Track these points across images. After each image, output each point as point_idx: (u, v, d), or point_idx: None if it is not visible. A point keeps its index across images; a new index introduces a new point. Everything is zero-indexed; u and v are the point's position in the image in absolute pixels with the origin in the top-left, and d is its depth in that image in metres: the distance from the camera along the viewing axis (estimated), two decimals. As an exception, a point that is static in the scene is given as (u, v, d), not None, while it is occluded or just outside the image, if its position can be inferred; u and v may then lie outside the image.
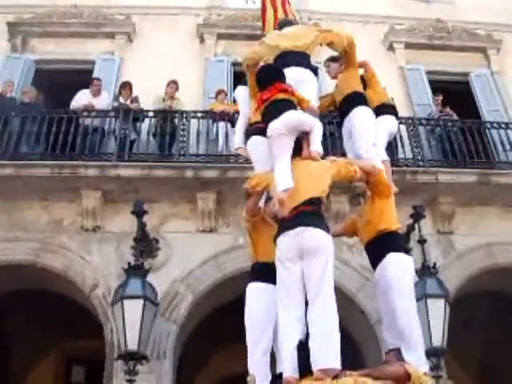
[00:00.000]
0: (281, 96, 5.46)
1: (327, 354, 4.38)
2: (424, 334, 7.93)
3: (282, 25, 6.46)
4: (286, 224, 4.90)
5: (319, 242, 4.75)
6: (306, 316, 4.70)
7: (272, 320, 5.02)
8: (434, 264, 9.03)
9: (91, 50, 13.52)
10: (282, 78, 5.63)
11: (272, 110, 5.44)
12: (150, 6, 14.17)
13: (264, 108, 5.54)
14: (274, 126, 5.35)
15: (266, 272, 5.11)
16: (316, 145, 5.38)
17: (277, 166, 5.28)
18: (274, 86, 5.52)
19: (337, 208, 10.25)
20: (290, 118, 5.35)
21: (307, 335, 4.60)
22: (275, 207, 5.08)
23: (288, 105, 5.44)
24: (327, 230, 4.88)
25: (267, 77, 5.68)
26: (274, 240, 4.96)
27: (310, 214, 4.89)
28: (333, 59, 6.55)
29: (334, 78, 6.57)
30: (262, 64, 6.00)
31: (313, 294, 4.65)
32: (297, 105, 5.56)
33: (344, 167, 5.30)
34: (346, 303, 9.85)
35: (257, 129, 5.98)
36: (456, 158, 11.24)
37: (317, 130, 5.48)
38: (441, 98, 12.68)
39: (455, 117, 12.30)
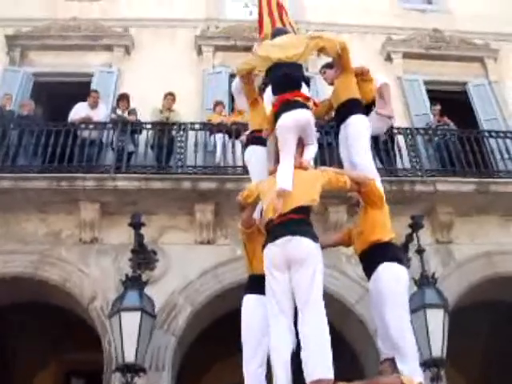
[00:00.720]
0: (298, 98, 5.53)
1: (320, 364, 4.36)
2: (423, 344, 8.00)
3: (274, 34, 6.47)
4: (273, 232, 4.90)
5: (306, 252, 4.72)
6: (296, 325, 4.69)
7: (268, 331, 5.00)
8: (433, 274, 9.01)
9: (89, 63, 13.57)
10: (300, 87, 5.71)
11: (286, 107, 5.48)
12: (148, 19, 14.22)
13: (280, 105, 5.55)
14: (284, 119, 5.40)
15: (261, 284, 5.08)
16: (308, 155, 5.40)
17: (281, 162, 5.31)
18: (294, 92, 5.59)
19: (335, 218, 10.24)
20: (301, 115, 5.41)
21: (298, 345, 4.58)
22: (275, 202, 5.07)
23: (302, 105, 5.50)
24: (315, 238, 4.86)
25: (288, 83, 5.71)
26: (263, 248, 4.96)
27: (298, 222, 4.88)
28: (328, 66, 6.53)
29: (331, 84, 6.57)
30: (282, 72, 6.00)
31: (302, 304, 4.63)
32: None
33: (334, 177, 5.28)
34: (344, 313, 9.86)
35: (255, 138, 5.99)
36: (454, 167, 11.23)
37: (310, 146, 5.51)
38: (438, 107, 12.68)
39: (453, 126, 12.30)
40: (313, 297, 4.62)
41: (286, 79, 5.77)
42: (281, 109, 5.54)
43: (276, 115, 5.55)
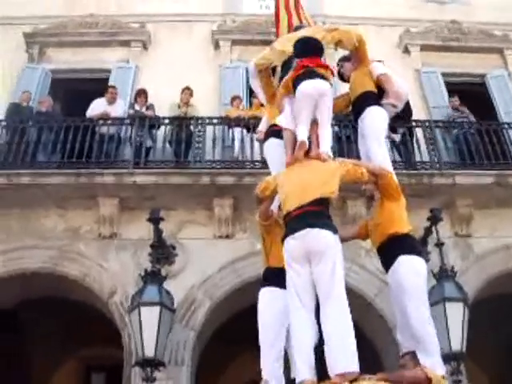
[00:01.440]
0: (318, 69, 5.64)
1: (344, 358, 4.34)
2: (443, 337, 7.94)
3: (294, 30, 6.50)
4: (291, 224, 4.89)
5: (325, 244, 4.71)
6: (317, 319, 4.68)
7: (285, 325, 4.99)
8: (452, 267, 8.96)
9: (107, 59, 13.62)
10: (321, 54, 5.86)
11: (307, 74, 5.58)
12: (165, 14, 14.23)
13: (301, 73, 5.66)
14: (305, 85, 5.52)
15: (278, 276, 5.09)
16: (325, 145, 5.41)
17: (299, 126, 5.46)
18: (314, 58, 5.63)
19: (354, 212, 10.20)
20: (321, 85, 5.54)
21: (320, 339, 4.57)
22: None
23: (322, 77, 5.60)
24: (334, 230, 4.85)
25: (309, 47, 5.87)
26: (282, 241, 4.96)
27: (316, 214, 4.87)
28: (345, 59, 6.52)
29: (348, 78, 6.56)
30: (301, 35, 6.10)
31: (323, 297, 4.62)
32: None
33: (352, 169, 5.28)
34: (364, 308, 9.82)
35: (274, 131, 6.01)
36: (473, 159, 11.16)
37: (325, 130, 5.51)
38: (457, 100, 12.57)
39: (471, 116, 12.19)
40: (335, 289, 4.61)
41: (306, 44, 5.92)
42: (301, 75, 5.59)
43: (295, 80, 5.65)
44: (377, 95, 6.06)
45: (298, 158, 5.28)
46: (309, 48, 5.87)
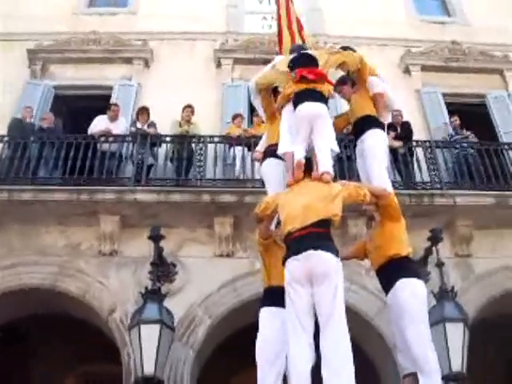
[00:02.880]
0: (316, 87, 5.78)
1: (341, 382, 4.34)
2: (443, 358, 7.92)
3: (292, 50, 6.54)
4: (294, 245, 4.91)
5: (328, 267, 4.74)
6: (316, 340, 4.68)
7: (285, 344, 5.00)
8: (453, 287, 8.94)
9: (109, 76, 13.69)
10: (317, 63, 6.00)
11: (306, 96, 5.72)
12: (167, 32, 14.34)
13: (299, 91, 5.79)
14: (302, 108, 5.70)
15: (278, 296, 5.10)
16: (325, 165, 5.44)
17: (295, 146, 5.59)
18: (311, 67, 5.71)
19: (354, 231, 10.21)
20: (314, 108, 5.68)
21: (317, 361, 4.57)
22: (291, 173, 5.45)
23: (320, 97, 5.76)
24: (336, 253, 4.88)
25: (305, 59, 6.06)
26: (283, 262, 4.97)
27: (319, 236, 4.90)
28: (342, 82, 6.59)
29: (349, 100, 6.61)
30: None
31: (324, 320, 4.63)
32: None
33: (354, 191, 5.31)
34: (363, 327, 9.80)
35: (272, 151, 6.05)
36: (474, 180, 11.18)
37: (322, 152, 5.56)
38: (456, 119, 12.61)
39: (472, 138, 12.22)
40: (335, 312, 4.63)
41: (302, 56, 6.14)
42: (301, 94, 5.68)
43: (295, 97, 5.78)
44: (376, 118, 6.12)
45: (298, 178, 5.30)
46: (305, 59, 5.96)
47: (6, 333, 10.58)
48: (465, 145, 11.94)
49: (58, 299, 10.30)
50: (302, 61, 6.04)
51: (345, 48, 6.83)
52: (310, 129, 5.62)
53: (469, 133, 12.38)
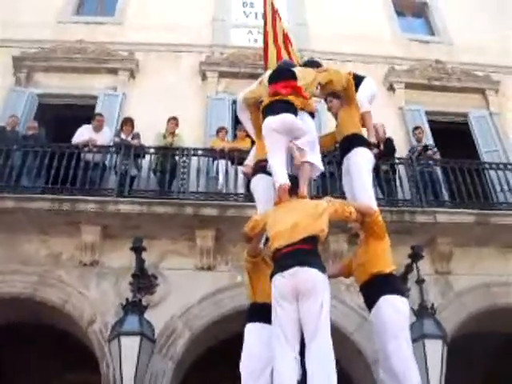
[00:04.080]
0: (286, 98, 5.80)
1: None
2: (422, 374, 7.85)
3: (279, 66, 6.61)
4: (281, 262, 4.95)
5: (314, 283, 4.78)
6: (301, 355, 4.71)
7: (270, 360, 5.02)
8: (432, 304, 9.03)
9: (94, 85, 13.64)
10: (294, 77, 6.01)
11: (274, 108, 5.74)
12: (154, 43, 14.35)
13: (269, 103, 5.84)
14: (268, 122, 5.71)
15: (263, 312, 5.13)
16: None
17: (273, 160, 5.58)
18: (287, 81, 5.75)
19: (335, 247, 10.26)
20: (285, 119, 5.66)
21: (303, 376, 4.60)
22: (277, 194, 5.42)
23: (289, 108, 5.73)
24: (323, 269, 4.92)
25: (282, 73, 6.11)
26: (271, 278, 5.00)
27: (306, 252, 4.94)
28: (334, 95, 6.64)
29: (336, 114, 6.68)
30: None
31: (309, 335, 4.67)
32: (300, 109, 5.92)
33: (341, 207, 5.36)
34: (342, 343, 9.80)
35: (262, 167, 6.08)
36: (454, 198, 11.28)
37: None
38: (420, 131, 12.64)
39: (433, 152, 12.24)
40: (321, 329, 4.67)
41: (277, 70, 6.24)
42: (267, 108, 5.73)
43: (264, 111, 5.85)
44: (362, 137, 6.19)
45: (284, 200, 5.35)
46: (281, 73, 6.03)
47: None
48: (448, 163, 11.93)
49: (38, 309, 10.23)
50: (279, 75, 6.10)
51: (311, 62, 6.94)
52: (284, 143, 5.67)
53: (430, 143, 12.47)
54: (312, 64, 6.85)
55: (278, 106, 5.76)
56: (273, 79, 6.06)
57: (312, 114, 6.36)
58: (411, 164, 11.58)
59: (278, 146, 5.63)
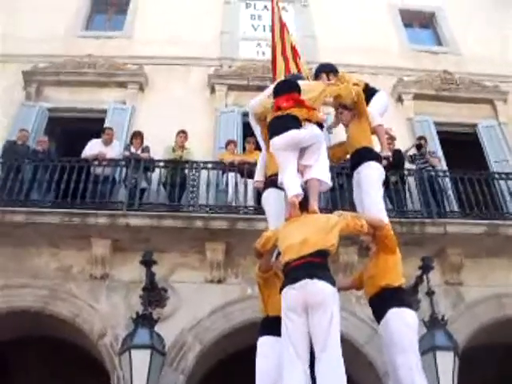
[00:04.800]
0: (288, 111, 5.80)
1: None
2: (433, 386, 7.95)
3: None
4: (291, 274, 4.96)
5: (323, 296, 4.78)
6: (311, 368, 4.70)
7: (282, 374, 5.02)
8: (443, 316, 9.00)
9: (103, 99, 13.71)
10: (297, 89, 6.03)
11: (277, 126, 5.78)
12: (162, 57, 14.43)
13: (272, 119, 5.88)
14: (273, 143, 5.76)
15: (275, 326, 5.13)
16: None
17: (284, 175, 5.60)
18: (290, 94, 5.76)
19: (345, 260, 10.25)
20: (287, 137, 5.68)
21: None
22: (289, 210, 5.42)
23: (291, 122, 5.78)
24: (332, 282, 4.92)
25: (283, 86, 6.12)
26: (280, 291, 5.02)
27: (316, 265, 4.95)
28: (345, 106, 6.64)
29: (346, 126, 6.68)
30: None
31: (319, 348, 4.67)
32: (304, 120, 5.91)
33: (352, 221, 5.36)
34: (353, 355, 9.79)
35: (272, 181, 6.10)
36: (464, 209, 11.25)
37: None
38: (422, 141, 12.61)
39: (435, 159, 12.24)
40: (330, 341, 4.67)
41: (281, 83, 6.23)
42: (270, 126, 5.75)
43: (269, 129, 5.91)
44: (373, 150, 6.19)
45: (295, 216, 5.37)
46: (283, 86, 6.05)
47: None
48: (456, 174, 11.92)
49: (49, 322, 10.26)
50: (281, 88, 6.12)
51: (325, 66, 6.96)
52: (292, 156, 5.70)
53: (432, 150, 12.46)
54: (325, 67, 6.88)
55: (280, 122, 5.78)
56: (275, 93, 6.09)
57: (320, 125, 6.35)
58: (421, 175, 11.56)
59: (287, 163, 5.66)
